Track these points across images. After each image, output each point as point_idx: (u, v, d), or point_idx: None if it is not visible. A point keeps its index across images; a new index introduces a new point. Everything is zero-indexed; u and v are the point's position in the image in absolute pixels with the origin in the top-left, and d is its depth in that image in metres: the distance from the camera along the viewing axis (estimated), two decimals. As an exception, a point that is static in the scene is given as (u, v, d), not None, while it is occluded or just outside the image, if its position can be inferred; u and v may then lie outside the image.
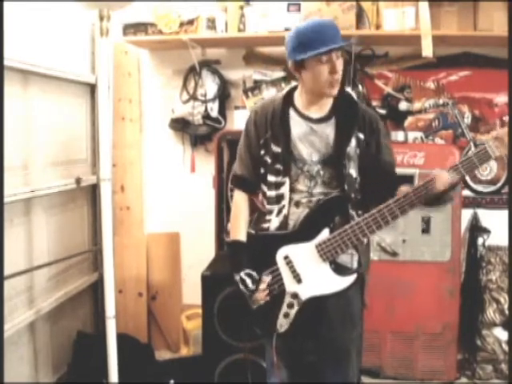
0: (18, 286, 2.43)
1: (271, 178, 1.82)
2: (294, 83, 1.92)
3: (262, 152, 1.84)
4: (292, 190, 1.80)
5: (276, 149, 1.80)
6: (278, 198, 1.81)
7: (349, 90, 2.12)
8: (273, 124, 1.82)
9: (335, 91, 1.76)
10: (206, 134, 3.20)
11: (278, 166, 1.80)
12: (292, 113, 1.82)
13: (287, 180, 1.79)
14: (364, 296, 1.87)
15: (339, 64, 1.72)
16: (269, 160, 1.82)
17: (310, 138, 1.80)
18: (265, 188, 1.86)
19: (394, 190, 1.77)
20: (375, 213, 1.70)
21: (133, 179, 3.35)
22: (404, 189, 1.73)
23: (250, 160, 1.88)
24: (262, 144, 1.84)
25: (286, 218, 1.80)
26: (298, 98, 1.84)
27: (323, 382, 1.81)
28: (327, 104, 1.82)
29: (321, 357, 1.81)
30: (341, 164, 1.77)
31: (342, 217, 1.78)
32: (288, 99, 1.85)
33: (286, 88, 1.92)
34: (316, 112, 1.81)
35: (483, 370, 2.91)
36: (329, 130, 1.80)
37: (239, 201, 1.92)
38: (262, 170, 1.85)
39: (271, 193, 1.83)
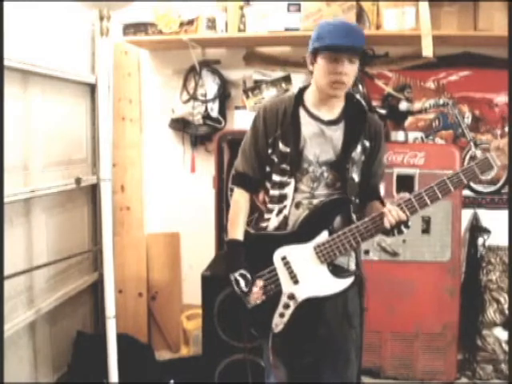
0: (17, 286, 2.43)
1: (276, 178, 1.81)
2: (296, 85, 1.91)
3: (270, 151, 1.82)
4: (295, 190, 1.79)
5: (284, 148, 1.78)
6: (281, 198, 1.80)
7: (358, 97, 2.11)
8: (283, 123, 1.80)
9: (338, 92, 1.75)
10: (206, 134, 3.20)
11: (285, 166, 1.79)
12: (302, 113, 1.80)
13: (292, 180, 1.78)
14: (363, 299, 1.86)
15: (347, 67, 1.69)
16: (276, 159, 1.81)
17: (319, 139, 1.78)
18: (268, 186, 1.85)
19: (372, 200, 1.84)
20: (376, 216, 1.70)
21: (133, 179, 3.35)
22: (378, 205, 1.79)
23: (255, 158, 1.85)
24: (270, 143, 1.82)
25: (286, 218, 1.79)
26: (309, 98, 1.82)
27: (320, 383, 1.81)
28: (337, 107, 1.81)
29: (317, 357, 1.81)
30: (344, 167, 1.77)
31: (342, 219, 1.78)
32: (299, 99, 1.83)
33: (287, 88, 1.91)
34: (326, 114, 1.80)
35: (483, 370, 2.90)
36: (338, 134, 1.79)
37: (239, 199, 1.89)
38: (268, 169, 1.84)
39: (274, 192, 1.82)
